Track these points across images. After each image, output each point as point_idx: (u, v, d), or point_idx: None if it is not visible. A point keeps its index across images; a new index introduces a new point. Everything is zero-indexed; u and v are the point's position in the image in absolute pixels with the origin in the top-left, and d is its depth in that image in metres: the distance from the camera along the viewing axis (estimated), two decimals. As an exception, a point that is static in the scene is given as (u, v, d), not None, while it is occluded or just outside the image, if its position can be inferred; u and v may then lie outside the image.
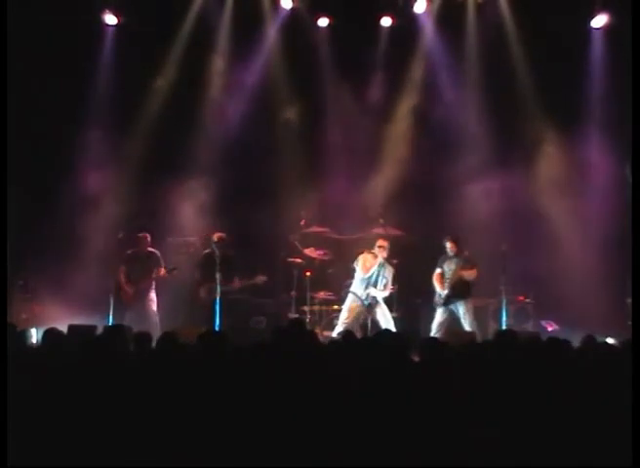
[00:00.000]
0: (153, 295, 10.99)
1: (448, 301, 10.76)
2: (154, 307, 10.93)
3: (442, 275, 10.91)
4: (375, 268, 10.67)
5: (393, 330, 9.79)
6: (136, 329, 10.36)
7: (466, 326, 10.55)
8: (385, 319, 10.66)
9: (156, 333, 9.97)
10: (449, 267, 10.86)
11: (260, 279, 10.90)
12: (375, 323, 10.63)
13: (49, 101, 11.49)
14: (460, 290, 10.76)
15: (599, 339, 6.09)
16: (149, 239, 11.13)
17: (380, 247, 10.71)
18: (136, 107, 12.10)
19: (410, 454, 4.37)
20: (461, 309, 10.71)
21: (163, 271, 10.94)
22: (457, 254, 10.86)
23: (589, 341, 5.73)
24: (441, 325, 10.71)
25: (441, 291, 10.81)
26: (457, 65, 12.25)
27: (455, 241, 10.87)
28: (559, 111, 11.79)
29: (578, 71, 11.87)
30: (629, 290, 10.34)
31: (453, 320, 10.74)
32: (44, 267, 11.38)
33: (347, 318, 10.63)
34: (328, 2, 12.13)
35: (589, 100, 11.89)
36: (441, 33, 12.24)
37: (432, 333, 10.44)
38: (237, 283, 10.84)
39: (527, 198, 11.77)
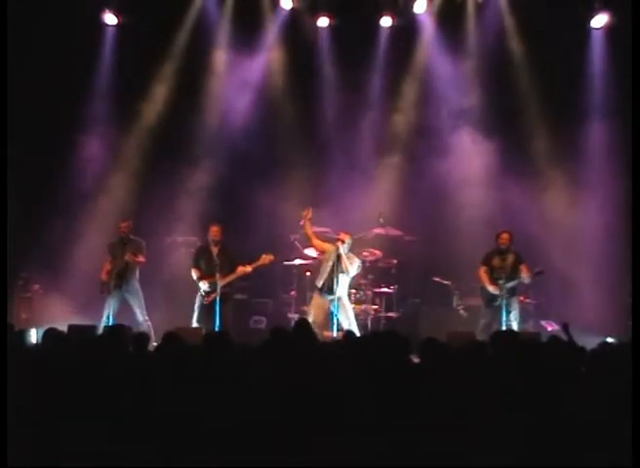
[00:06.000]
0: (136, 283, 10.54)
1: (503, 299, 10.16)
2: (137, 293, 10.52)
3: (489, 272, 10.31)
4: (331, 260, 10.24)
5: (355, 330, 9.62)
6: (114, 314, 10.27)
7: (514, 324, 10.10)
8: (346, 318, 10.24)
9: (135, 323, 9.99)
10: (501, 263, 10.27)
11: (267, 258, 10.26)
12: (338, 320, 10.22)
13: (48, 101, 11.50)
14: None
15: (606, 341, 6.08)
16: (129, 225, 10.54)
17: (338, 240, 10.26)
18: (135, 107, 12.10)
19: (410, 454, 4.37)
20: (513, 306, 10.19)
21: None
22: (509, 249, 10.31)
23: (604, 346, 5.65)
24: (488, 326, 10.10)
25: (494, 290, 10.20)
26: (457, 65, 12.25)
27: (511, 234, 10.32)
28: (559, 111, 11.80)
29: (577, 71, 11.87)
30: (629, 290, 10.36)
31: (493, 320, 10.22)
32: (44, 267, 11.40)
33: (311, 314, 10.26)
34: (328, 2, 12.14)
35: (589, 100, 11.90)
36: (441, 33, 12.25)
37: (480, 335, 9.39)
38: (243, 269, 10.20)
39: (527, 198, 11.75)
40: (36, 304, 11.31)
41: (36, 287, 11.43)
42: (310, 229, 10.54)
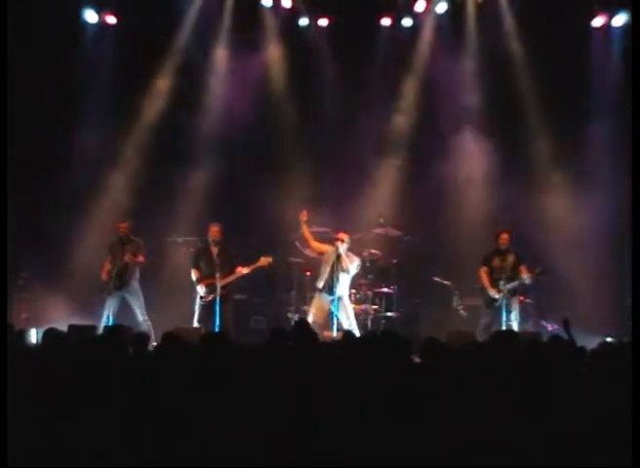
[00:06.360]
0: (135, 283, 10.59)
1: (504, 299, 10.18)
2: (137, 293, 10.55)
3: (490, 273, 10.37)
4: (331, 260, 10.25)
5: (355, 330, 9.63)
6: (114, 314, 10.31)
7: (514, 324, 10.11)
8: (347, 317, 10.23)
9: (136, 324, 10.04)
10: (501, 263, 10.30)
11: (266, 260, 10.32)
12: (339, 320, 10.20)
13: (48, 100, 11.51)
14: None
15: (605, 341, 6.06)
16: (129, 226, 10.63)
17: (337, 239, 10.25)
18: (135, 107, 12.09)
19: (410, 454, 4.37)
20: (513, 306, 10.22)
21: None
22: (508, 249, 10.34)
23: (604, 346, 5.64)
24: (488, 326, 10.12)
25: (495, 294, 10.25)
26: (457, 65, 12.24)
27: (510, 234, 10.36)
28: (559, 111, 11.79)
29: (577, 71, 11.86)
30: (629, 290, 10.36)
31: (494, 320, 10.24)
32: (44, 267, 11.39)
33: (312, 314, 10.25)
34: (328, 2, 12.13)
35: (589, 100, 11.89)
36: (441, 33, 12.24)
37: (480, 335, 9.27)
38: (241, 270, 10.30)
39: (527, 198, 11.75)
40: (36, 304, 11.31)
41: (36, 287, 11.42)
42: (308, 231, 10.55)
